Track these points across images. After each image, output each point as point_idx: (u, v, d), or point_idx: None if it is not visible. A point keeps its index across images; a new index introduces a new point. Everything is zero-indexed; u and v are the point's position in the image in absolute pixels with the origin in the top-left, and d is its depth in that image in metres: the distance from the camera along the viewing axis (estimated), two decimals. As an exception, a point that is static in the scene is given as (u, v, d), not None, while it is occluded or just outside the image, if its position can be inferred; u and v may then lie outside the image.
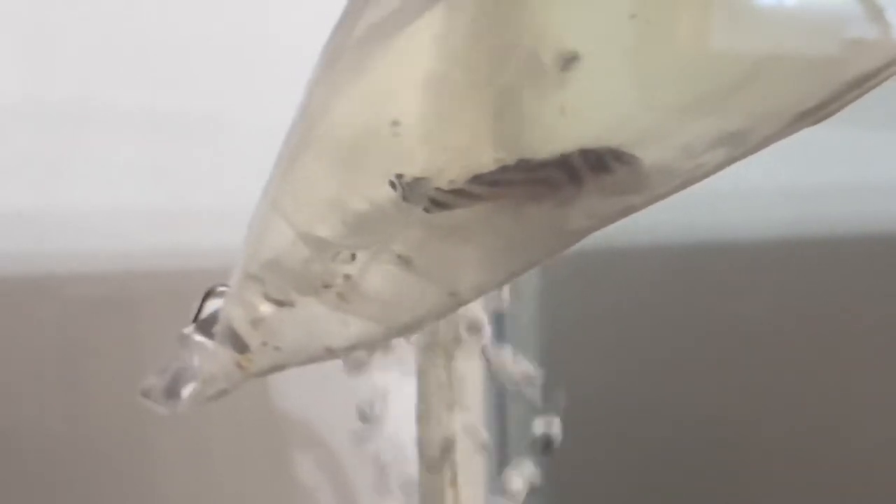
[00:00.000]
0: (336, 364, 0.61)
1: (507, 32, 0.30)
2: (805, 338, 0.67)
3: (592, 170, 0.30)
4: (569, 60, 0.29)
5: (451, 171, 0.30)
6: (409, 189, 0.30)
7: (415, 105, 0.30)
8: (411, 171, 0.30)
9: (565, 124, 0.29)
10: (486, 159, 0.30)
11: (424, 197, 0.30)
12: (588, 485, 0.69)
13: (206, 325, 0.33)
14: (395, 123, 0.30)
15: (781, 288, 0.67)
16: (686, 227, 0.68)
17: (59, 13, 0.58)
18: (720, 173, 0.30)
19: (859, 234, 0.66)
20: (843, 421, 0.66)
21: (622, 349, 0.69)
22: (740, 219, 0.67)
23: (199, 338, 0.33)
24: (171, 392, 0.33)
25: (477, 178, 0.30)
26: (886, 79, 0.28)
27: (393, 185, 0.30)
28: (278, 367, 0.33)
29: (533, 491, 0.51)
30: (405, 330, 0.33)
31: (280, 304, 0.32)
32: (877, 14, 0.28)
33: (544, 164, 0.30)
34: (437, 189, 0.30)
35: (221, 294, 0.33)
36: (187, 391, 0.33)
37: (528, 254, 0.31)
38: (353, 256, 0.31)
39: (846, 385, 0.66)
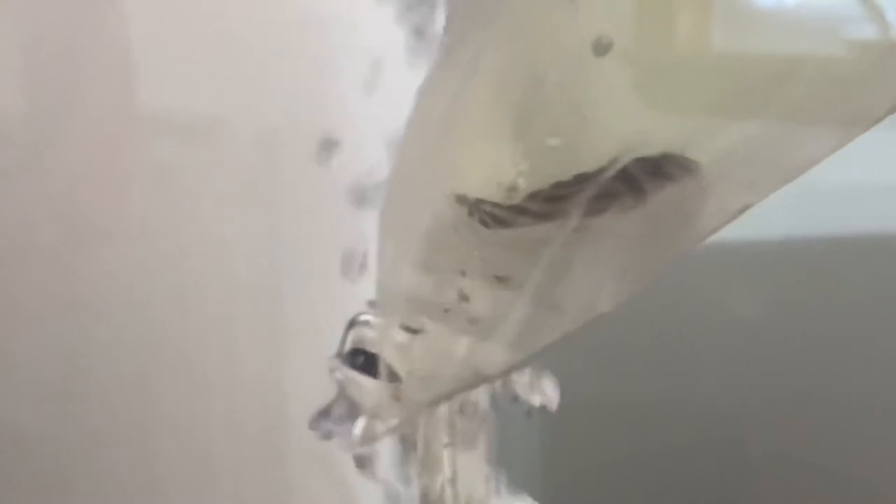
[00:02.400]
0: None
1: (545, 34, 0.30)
2: (805, 338, 0.67)
3: (651, 176, 0.30)
4: (605, 47, 0.29)
5: (498, 189, 0.30)
6: (473, 207, 0.31)
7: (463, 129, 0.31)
8: (470, 191, 0.31)
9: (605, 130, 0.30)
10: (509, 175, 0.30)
11: (485, 213, 0.31)
12: (588, 485, 0.69)
13: (352, 358, 0.33)
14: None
15: (781, 288, 0.67)
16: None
17: (60, 13, 0.58)
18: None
19: (859, 234, 0.66)
20: (844, 421, 0.66)
21: (622, 349, 0.69)
22: (741, 218, 0.67)
23: (348, 370, 0.33)
24: (343, 423, 0.33)
25: (534, 196, 0.30)
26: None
27: (459, 200, 0.31)
28: (435, 398, 0.33)
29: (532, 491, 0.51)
30: (536, 355, 0.34)
31: (414, 332, 0.33)
32: (877, 14, 0.28)
33: (600, 176, 0.30)
34: (495, 205, 0.30)
35: (364, 324, 0.33)
36: (358, 427, 0.33)
37: (639, 259, 0.32)
38: (463, 274, 0.32)
39: (846, 385, 0.66)
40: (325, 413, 0.34)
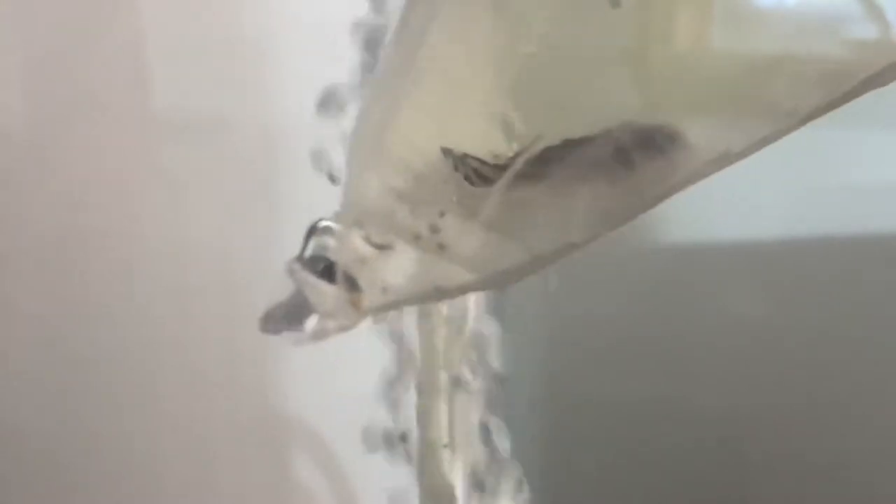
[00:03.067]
0: (335, 364, 0.61)
1: None
2: (805, 338, 0.67)
3: (642, 149, 0.30)
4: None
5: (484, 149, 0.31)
6: (458, 161, 0.31)
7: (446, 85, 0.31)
8: (456, 146, 0.31)
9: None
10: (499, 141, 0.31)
11: (470, 168, 0.31)
12: (588, 485, 0.69)
13: (312, 263, 0.34)
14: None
15: (781, 288, 0.67)
16: (687, 227, 0.68)
17: (59, 13, 0.58)
18: (719, 174, 0.30)
19: (859, 234, 0.66)
20: (845, 421, 0.66)
21: (622, 349, 0.69)
22: (742, 218, 0.68)
23: (307, 275, 0.33)
24: (293, 321, 0.34)
25: (519, 155, 0.30)
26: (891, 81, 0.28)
27: (444, 153, 0.31)
28: (392, 306, 0.34)
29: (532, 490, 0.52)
30: (498, 281, 0.34)
31: (381, 247, 0.33)
32: (877, 14, 0.28)
33: (591, 143, 0.30)
34: (482, 162, 0.31)
35: (324, 231, 0.34)
36: (309, 323, 0.33)
37: (598, 222, 0.32)
38: (441, 214, 0.32)
39: (847, 385, 0.66)
40: (276, 311, 0.34)
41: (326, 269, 0.34)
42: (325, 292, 0.33)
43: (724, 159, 0.30)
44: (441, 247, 0.33)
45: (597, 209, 0.31)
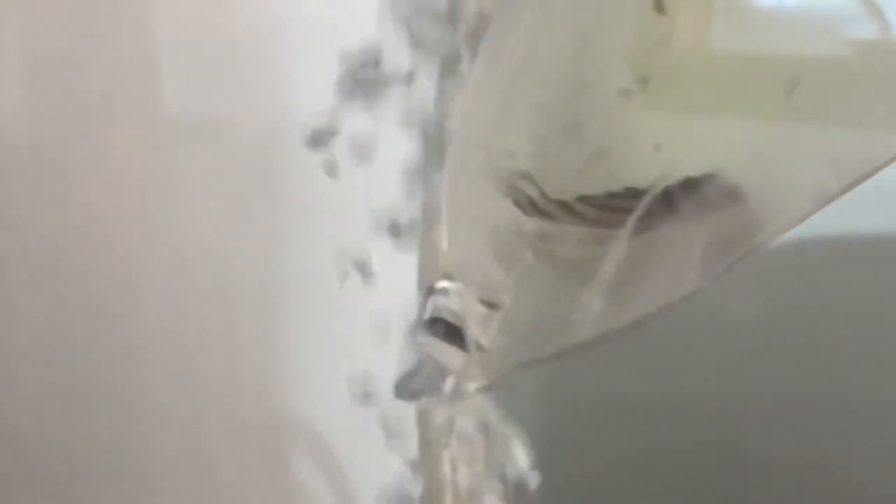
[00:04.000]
0: (335, 364, 0.61)
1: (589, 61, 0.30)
2: (806, 338, 0.67)
3: (693, 201, 0.30)
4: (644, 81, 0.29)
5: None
6: (522, 199, 0.31)
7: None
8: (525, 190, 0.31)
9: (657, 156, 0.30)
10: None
11: (533, 205, 0.31)
12: (588, 485, 0.69)
13: (433, 326, 0.33)
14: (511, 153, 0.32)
15: (781, 288, 0.67)
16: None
17: (59, 12, 0.58)
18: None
19: (859, 234, 0.66)
20: (846, 421, 0.66)
21: (622, 349, 0.69)
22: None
23: (434, 341, 0.33)
24: (431, 387, 0.34)
25: (584, 199, 0.30)
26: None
27: (511, 191, 0.31)
28: (520, 366, 0.33)
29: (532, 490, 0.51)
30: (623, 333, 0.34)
31: (492, 306, 0.33)
32: (877, 14, 0.28)
33: (646, 194, 0.30)
34: (543, 196, 0.31)
35: (442, 291, 0.33)
36: (448, 385, 0.33)
37: (715, 262, 0.32)
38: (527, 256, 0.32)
39: (848, 385, 0.66)
40: (411, 375, 0.34)
41: (450, 331, 0.33)
42: (451, 354, 0.33)
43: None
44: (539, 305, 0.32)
45: (713, 249, 0.31)
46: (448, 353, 0.33)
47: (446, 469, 0.46)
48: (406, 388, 0.34)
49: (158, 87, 0.60)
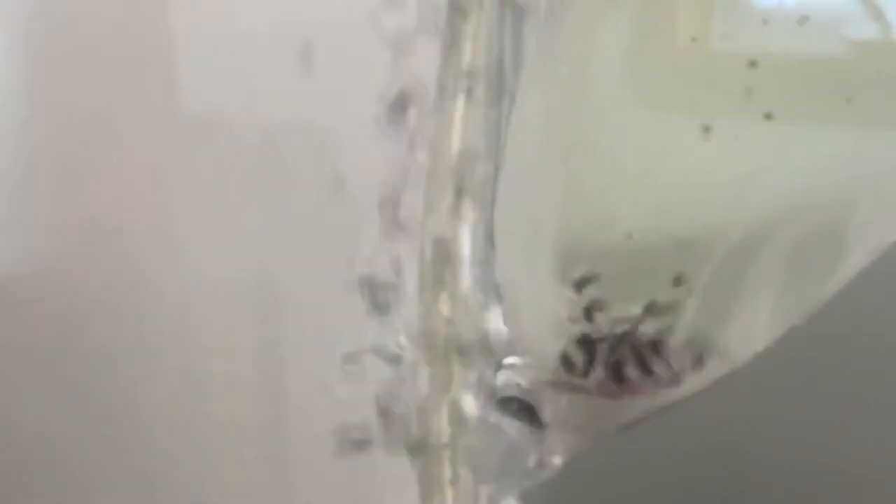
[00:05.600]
0: (334, 363, 0.61)
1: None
2: (807, 338, 0.67)
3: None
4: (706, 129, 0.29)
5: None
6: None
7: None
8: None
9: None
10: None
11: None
12: (588, 485, 0.69)
13: (505, 404, 0.33)
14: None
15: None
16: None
17: (59, 11, 0.58)
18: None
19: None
20: (848, 422, 0.66)
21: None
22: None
23: (512, 422, 0.33)
24: (515, 468, 0.33)
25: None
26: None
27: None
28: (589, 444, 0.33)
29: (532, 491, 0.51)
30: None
31: (557, 385, 0.33)
32: (877, 14, 0.28)
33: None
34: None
35: (511, 368, 0.33)
36: (532, 462, 0.33)
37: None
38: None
39: (849, 385, 0.66)
40: (493, 463, 0.33)
41: (521, 409, 0.33)
42: (533, 434, 0.33)
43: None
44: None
45: (781, 306, 0.31)
46: (527, 436, 0.32)
47: (447, 471, 0.46)
48: (488, 474, 0.33)
49: (158, 84, 0.60)
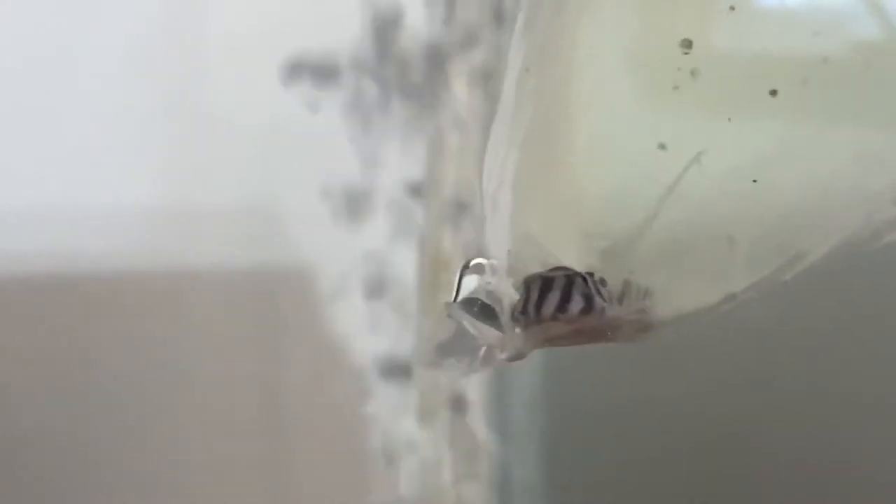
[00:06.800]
0: (334, 363, 0.61)
1: None
2: (807, 338, 0.67)
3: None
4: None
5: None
6: None
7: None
8: None
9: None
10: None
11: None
12: (588, 485, 0.69)
13: (468, 304, 0.33)
14: None
15: (782, 287, 0.67)
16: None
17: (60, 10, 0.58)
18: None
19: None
20: (849, 422, 0.66)
21: (623, 349, 0.69)
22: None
23: (467, 317, 0.33)
24: (464, 353, 0.33)
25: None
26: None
27: None
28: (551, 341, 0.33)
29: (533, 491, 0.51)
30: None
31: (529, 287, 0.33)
32: (879, 14, 0.28)
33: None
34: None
35: (478, 269, 0.33)
36: (480, 354, 0.33)
37: None
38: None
39: (850, 385, 0.66)
40: (444, 348, 0.34)
41: (483, 310, 0.33)
42: (486, 331, 0.33)
43: None
44: None
45: None
46: (481, 330, 0.32)
47: (447, 474, 0.46)
48: (440, 353, 0.33)
49: (156, 83, 0.60)
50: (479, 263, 0.33)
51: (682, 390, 0.68)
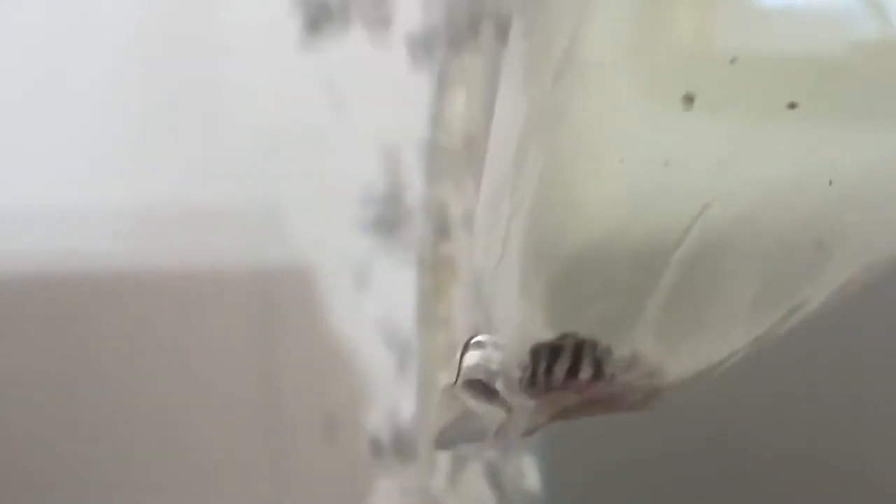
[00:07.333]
0: (334, 360, 0.61)
1: None
2: (807, 337, 0.67)
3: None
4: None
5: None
6: None
7: None
8: None
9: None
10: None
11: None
12: (588, 485, 0.69)
13: (470, 386, 0.32)
14: None
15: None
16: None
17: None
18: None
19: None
20: (850, 422, 0.66)
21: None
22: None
23: (471, 400, 0.32)
24: (471, 438, 0.33)
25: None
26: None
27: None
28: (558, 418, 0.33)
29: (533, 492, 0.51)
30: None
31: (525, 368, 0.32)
32: (879, 14, 0.28)
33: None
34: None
35: (479, 346, 0.32)
36: (491, 433, 0.32)
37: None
38: None
39: (851, 385, 0.66)
40: (452, 432, 0.33)
41: (485, 390, 0.32)
42: (489, 412, 0.32)
43: None
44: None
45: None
46: (485, 412, 0.32)
47: (445, 476, 0.46)
48: (445, 441, 0.33)
49: (155, 81, 0.60)
50: (480, 341, 0.32)
51: (681, 391, 0.68)
